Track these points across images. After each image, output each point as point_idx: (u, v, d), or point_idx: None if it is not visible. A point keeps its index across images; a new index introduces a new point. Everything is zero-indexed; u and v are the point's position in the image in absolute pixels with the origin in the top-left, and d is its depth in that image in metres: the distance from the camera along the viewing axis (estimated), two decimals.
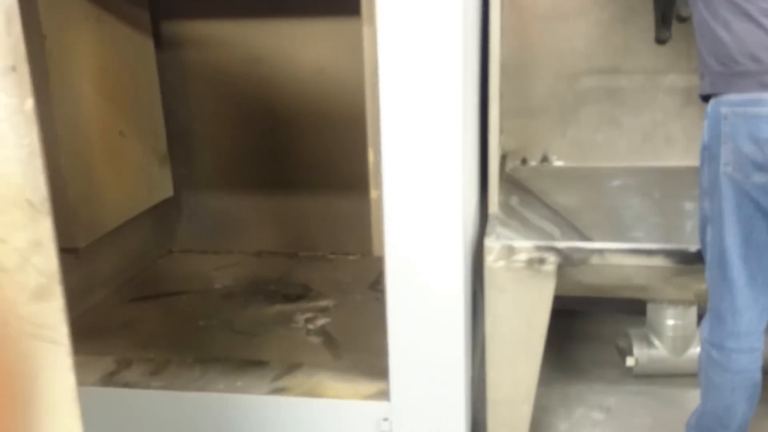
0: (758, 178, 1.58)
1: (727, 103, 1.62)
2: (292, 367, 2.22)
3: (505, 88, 2.69)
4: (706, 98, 1.71)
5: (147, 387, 2.15)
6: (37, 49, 2.28)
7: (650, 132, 2.62)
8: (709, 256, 1.73)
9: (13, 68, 1.05)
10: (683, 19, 2.34)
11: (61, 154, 2.41)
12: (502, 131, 2.73)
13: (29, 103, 1.07)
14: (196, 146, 3.12)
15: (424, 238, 1.80)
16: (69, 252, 2.53)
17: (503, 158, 2.75)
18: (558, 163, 2.76)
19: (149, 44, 2.91)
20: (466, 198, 1.88)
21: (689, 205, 2.47)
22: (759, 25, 1.57)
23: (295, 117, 2.94)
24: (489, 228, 2.05)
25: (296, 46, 2.88)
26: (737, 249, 1.65)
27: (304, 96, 2.93)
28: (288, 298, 2.74)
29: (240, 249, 3.20)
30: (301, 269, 3.02)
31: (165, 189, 3.09)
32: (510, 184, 2.59)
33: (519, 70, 2.66)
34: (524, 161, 2.78)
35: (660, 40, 2.43)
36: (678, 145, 2.59)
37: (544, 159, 2.77)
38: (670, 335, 2.39)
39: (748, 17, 1.57)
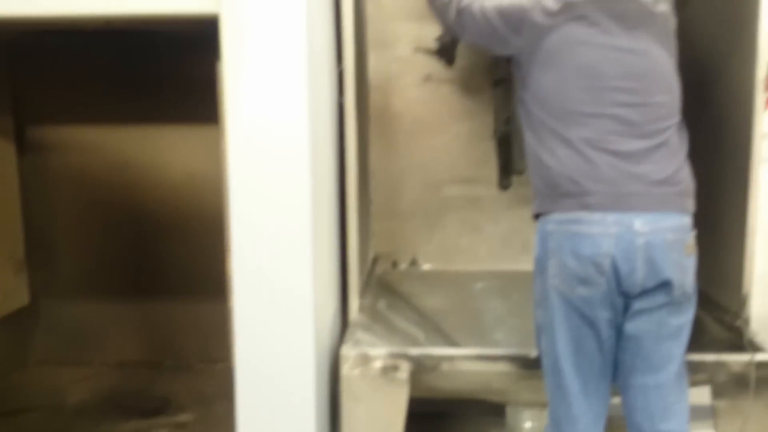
0: (581, 291, 1.68)
1: (553, 221, 1.74)
2: None
3: (375, 194, 2.80)
4: (536, 216, 1.83)
5: None
6: None
7: (508, 238, 2.76)
8: (545, 364, 1.80)
9: None
10: (520, 172, 2.52)
11: None
12: (373, 235, 2.82)
13: None
14: (58, 252, 3.01)
15: (274, 347, 1.79)
16: None
17: (374, 261, 2.81)
18: (426, 266, 2.85)
19: (10, 149, 2.84)
20: (320, 306, 1.89)
21: None
22: (579, 152, 1.71)
23: (161, 222, 2.91)
24: (348, 335, 2.05)
25: (165, 151, 2.89)
26: (569, 357, 1.72)
27: (172, 201, 2.91)
28: (145, 413, 2.60)
29: (101, 360, 3.05)
30: (164, 380, 2.89)
31: (20, 297, 2.94)
32: (380, 287, 2.64)
33: (388, 178, 2.78)
34: (395, 264, 2.86)
35: (503, 186, 2.62)
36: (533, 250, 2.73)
37: (413, 262, 2.85)
38: None
39: (570, 145, 1.72)
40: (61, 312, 3.06)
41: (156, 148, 2.93)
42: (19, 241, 2.93)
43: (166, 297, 3.03)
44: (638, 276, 1.66)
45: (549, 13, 1.76)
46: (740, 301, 1.97)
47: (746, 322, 1.97)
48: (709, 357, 1.90)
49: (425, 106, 2.71)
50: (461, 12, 1.93)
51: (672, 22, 1.83)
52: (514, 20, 1.80)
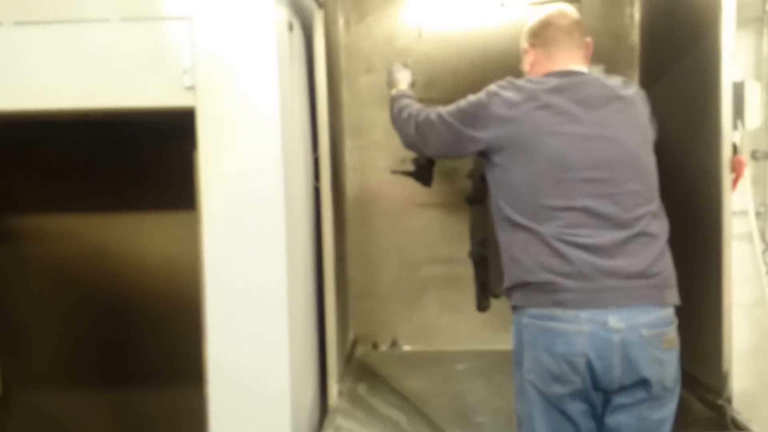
0: (556, 388, 1.64)
1: (528, 315, 1.70)
2: None
3: (353, 275, 2.81)
4: (514, 308, 1.79)
5: None
6: None
7: (488, 317, 2.75)
8: None
9: None
10: (497, 296, 2.46)
11: None
12: (352, 316, 2.81)
13: None
14: (31, 341, 2.95)
15: None
16: None
17: (354, 343, 2.79)
18: (406, 347, 2.82)
19: None
20: (298, 393, 1.86)
21: None
22: (551, 247, 1.67)
23: (139, 308, 2.88)
24: (327, 422, 2.01)
25: (143, 237, 2.89)
26: None
27: (150, 287, 2.89)
28: None
29: None
30: None
31: None
32: (360, 370, 2.60)
33: (366, 259, 2.79)
34: (375, 346, 2.83)
35: (481, 308, 2.55)
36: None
37: (394, 343, 2.83)
38: None
39: (542, 241, 1.68)
40: (33, 402, 2.98)
41: (134, 235, 2.93)
42: None
43: (142, 385, 2.97)
44: (615, 374, 1.61)
45: (511, 105, 1.75)
46: (721, 379, 1.96)
47: (728, 400, 1.96)
48: None
49: (401, 188, 2.75)
50: (419, 126, 1.93)
51: (642, 105, 1.81)
52: (478, 116, 1.78)
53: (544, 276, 1.67)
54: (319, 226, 2.15)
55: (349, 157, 2.77)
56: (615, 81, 1.80)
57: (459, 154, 1.93)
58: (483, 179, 1.96)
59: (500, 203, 1.77)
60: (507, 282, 1.79)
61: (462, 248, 2.73)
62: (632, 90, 1.80)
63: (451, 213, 2.75)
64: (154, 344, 2.93)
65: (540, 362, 1.65)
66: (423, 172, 2.55)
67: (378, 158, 2.77)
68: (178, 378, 2.92)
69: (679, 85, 2.23)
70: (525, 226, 1.71)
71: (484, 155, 1.83)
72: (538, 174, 1.70)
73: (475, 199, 2.42)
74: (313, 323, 2.16)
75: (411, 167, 2.57)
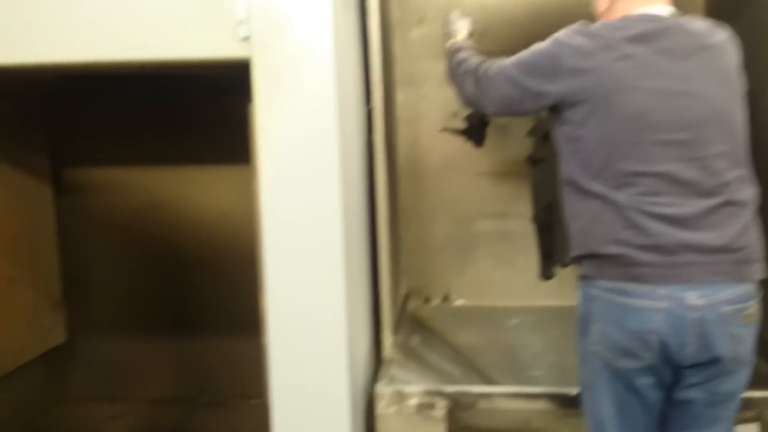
0: (624, 363, 1.55)
1: (598, 287, 1.58)
2: None
3: (405, 230, 2.81)
4: (582, 277, 1.66)
5: None
6: None
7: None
8: (588, 421, 1.69)
9: None
10: (565, 265, 2.30)
11: None
12: (404, 271, 2.82)
13: None
14: (94, 291, 3.06)
15: (309, 385, 1.78)
16: None
17: (406, 298, 2.80)
18: (459, 302, 2.83)
19: (47, 191, 2.92)
20: (354, 343, 1.88)
21: None
22: (626, 218, 1.53)
23: (196, 261, 2.94)
24: (382, 372, 2.04)
25: (199, 191, 2.94)
26: (614, 420, 1.60)
27: (206, 240, 2.95)
28: None
29: (137, 396, 3.07)
30: (199, 416, 2.90)
31: (57, 335, 2.99)
32: (412, 323, 2.62)
33: (418, 214, 2.79)
34: (427, 300, 2.84)
35: (546, 277, 2.42)
36: (570, 284, 2.70)
37: (446, 298, 2.84)
38: None
39: (616, 209, 1.54)
40: (97, 349, 3.10)
41: (190, 188, 2.98)
42: (57, 281, 2.99)
43: (200, 333, 3.06)
44: (689, 351, 1.52)
45: (585, 54, 1.58)
46: None
47: None
48: (758, 394, 1.84)
49: (454, 142, 2.72)
50: (479, 80, 1.78)
51: (732, 53, 1.63)
52: (546, 68, 1.63)
53: (617, 249, 1.55)
54: (371, 180, 2.14)
55: (401, 110, 2.74)
56: (702, 26, 1.63)
57: (524, 110, 1.77)
58: (546, 138, 1.85)
59: (569, 166, 1.64)
60: (575, 251, 1.67)
61: (516, 204, 2.70)
62: (721, 36, 1.62)
63: (505, 169, 2.71)
64: (211, 294, 3.01)
65: (609, 336, 1.56)
66: (475, 131, 2.44)
67: (430, 112, 2.73)
68: (235, 327, 3.00)
69: (753, 30, 2.11)
70: (597, 192, 1.57)
71: (553, 111, 1.69)
72: (615, 134, 1.55)
73: (538, 159, 2.28)
74: (367, 276, 2.18)
75: (463, 125, 2.47)
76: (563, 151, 1.66)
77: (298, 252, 1.76)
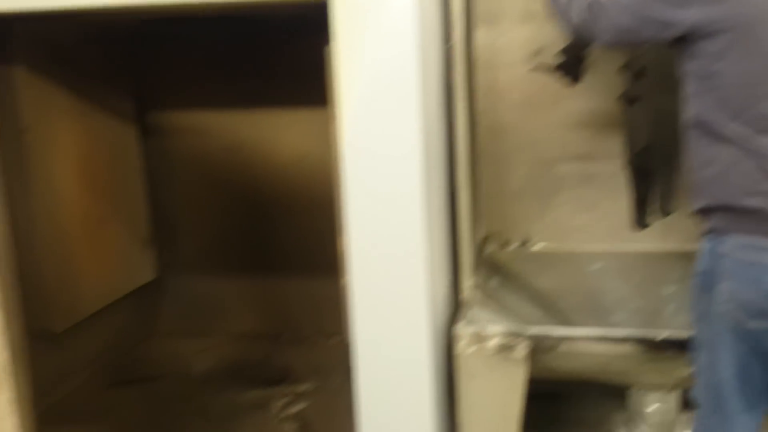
0: (755, 324, 1.45)
1: (729, 243, 1.46)
2: None
3: (484, 173, 2.76)
4: (707, 231, 1.54)
5: None
6: (17, 141, 2.36)
7: (628, 216, 2.64)
8: (700, 381, 1.61)
9: None
10: (666, 214, 2.16)
11: (39, 242, 2.45)
12: (482, 214, 2.79)
13: None
14: (180, 230, 3.16)
15: (390, 324, 1.80)
16: (46, 337, 2.53)
17: (484, 241, 2.78)
18: (538, 246, 2.78)
19: (133, 133, 3.00)
20: (434, 282, 1.89)
21: (669, 290, 2.46)
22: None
23: (276, 202, 2.99)
24: (461, 313, 2.05)
25: (277, 134, 2.97)
26: (733, 383, 1.52)
27: (284, 182, 2.99)
28: (267, 382, 2.71)
29: (222, 331, 3.19)
30: (282, 352, 3.00)
31: (146, 273, 3.12)
32: (490, 266, 2.60)
33: (496, 157, 2.72)
34: (504, 244, 2.81)
35: (642, 225, 2.28)
36: (655, 229, 2.61)
37: (524, 242, 2.79)
38: (652, 421, 2.34)
39: (758, 158, 1.40)
40: (184, 286, 3.22)
41: (268, 131, 3.01)
42: (145, 221, 3.10)
43: (281, 273, 3.13)
44: None
45: None
46: None
47: None
48: None
49: (535, 82, 2.62)
50: (591, 7, 1.59)
51: None
52: None
53: (757, 201, 1.41)
54: (451, 121, 2.11)
55: (480, 48, 2.66)
56: None
57: (643, 41, 1.58)
58: (642, 74, 1.72)
59: (700, 106, 1.48)
60: (701, 201, 1.53)
61: (601, 145, 2.60)
62: None
63: (590, 108, 2.60)
64: (291, 235, 3.07)
65: (740, 296, 1.45)
66: (571, 65, 2.22)
67: (510, 50, 2.64)
68: (315, 267, 3.06)
69: None
70: (735, 137, 1.41)
71: (682, 43, 1.50)
72: (759, 70, 1.37)
73: (634, 97, 2.11)
74: (446, 218, 2.17)
75: (557, 60, 2.29)
76: (692, 88, 1.50)
77: (377, 193, 1.76)
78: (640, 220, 2.26)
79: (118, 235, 2.92)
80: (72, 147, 2.64)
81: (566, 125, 2.66)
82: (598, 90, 2.53)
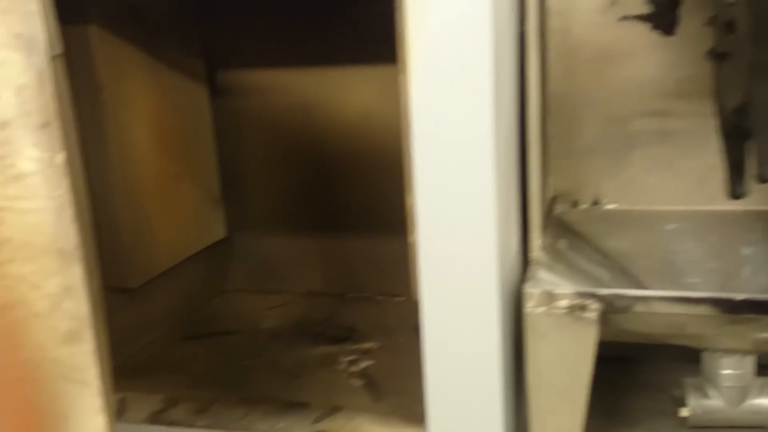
0: None
1: None
2: (332, 410, 2.22)
3: (553, 130, 2.69)
4: None
5: (192, 425, 2.20)
6: (93, 99, 2.42)
7: (705, 175, 2.54)
8: None
9: (46, 124, 1.12)
10: (765, 181, 1.99)
11: (115, 198, 2.53)
12: (550, 173, 2.72)
13: (60, 157, 1.14)
14: (248, 189, 3.21)
15: (458, 283, 1.79)
16: (122, 292, 2.63)
17: (553, 201, 2.72)
18: (609, 206, 2.71)
19: (204, 92, 3.04)
20: (503, 242, 1.86)
21: (746, 251, 2.37)
22: None
23: (341, 161, 3.00)
24: (530, 273, 2.02)
25: (344, 92, 2.95)
26: None
27: (351, 141, 2.98)
28: (333, 340, 2.76)
29: (289, 289, 3.25)
30: (347, 310, 3.04)
31: (218, 231, 3.18)
32: (559, 227, 2.55)
33: (567, 112, 2.65)
34: (575, 204, 2.74)
35: (737, 195, 2.13)
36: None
37: (596, 202, 2.72)
38: (726, 385, 2.28)
39: None
40: (252, 245, 3.28)
41: (334, 89, 3.00)
42: (215, 179, 3.16)
43: (347, 232, 3.16)
44: None
45: None
46: None
47: None
48: None
49: (610, 34, 2.52)
50: None
51: None
52: None
53: None
54: (522, 76, 2.05)
55: None
56: None
57: None
58: (731, 27, 1.54)
59: None
60: None
61: (679, 101, 2.49)
62: None
63: (671, 58, 2.48)
64: (358, 194, 3.07)
65: None
66: (664, 13, 2.07)
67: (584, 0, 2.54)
68: (380, 227, 3.07)
69: None
70: None
71: None
72: None
73: (723, 53, 1.97)
74: (516, 177, 2.13)
75: (647, 8, 2.09)
76: None
77: (447, 150, 1.74)
78: (737, 189, 2.11)
79: (190, 193, 2.99)
80: (145, 105, 2.69)
81: (642, 79, 2.56)
82: (681, 44, 2.41)
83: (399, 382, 2.37)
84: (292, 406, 2.26)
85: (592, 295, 1.88)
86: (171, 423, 2.22)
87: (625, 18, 2.36)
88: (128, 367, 2.58)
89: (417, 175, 1.77)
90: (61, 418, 1.28)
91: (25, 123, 1.12)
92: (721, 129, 2.01)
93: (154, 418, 2.25)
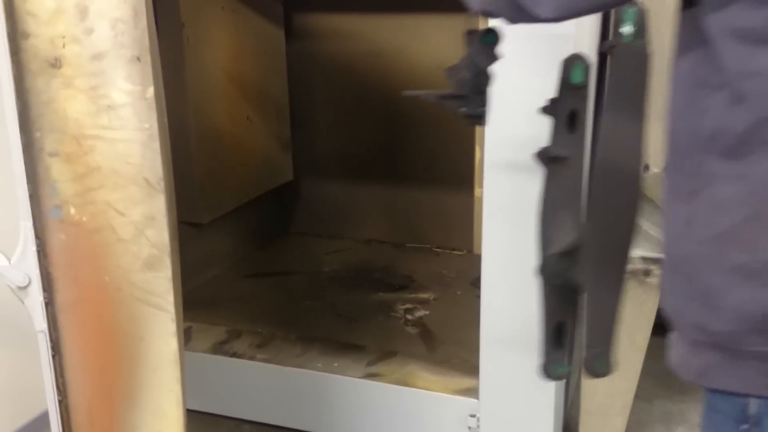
0: None
1: None
2: (387, 355, 2.28)
3: None
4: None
5: (252, 358, 2.29)
6: (175, 36, 2.47)
7: None
8: None
9: (138, 58, 1.17)
10: (596, 375, 1.36)
11: (191, 136, 2.60)
12: None
13: (151, 91, 1.18)
14: (317, 135, 3.24)
15: (520, 238, 1.79)
16: (193, 227, 2.73)
17: None
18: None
19: (280, 35, 3.06)
20: None
21: None
22: None
23: (410, 111, 2.99)
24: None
25: (416, 41, 2.92)
26: None
27: (422, 90, 2.96)
28: (391, 287, 2.81)
29: (351, 235, 3.30)
30: (406, 260, 3.07)
31: (286, 173, 3.25)
32: None
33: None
34: (645, 168, 2.68)
35: (551, 376, 1.57)
36: None
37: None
38: None
39: None
40: (318, 189, 3.34)
41: (408, 37, 2.97)
42: (286, 123, 3.20)
43: (411, 182, 3.17)
44: None
45: None
46: None
47: None
48: None
49: None
50: None
51: None
52: None
53: None
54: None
55: None
56: None
57: (607, 4, 0.98)
58: (574, 121, 0.97)
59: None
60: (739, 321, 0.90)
61: None
62: None
63: None
64: (424, 145, 3.07)
65: None
66: (470, 96, 1.31)
67: None
68: (445, 181, 3.07)
69: None
70: None
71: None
72: None
73: (558, 156, 1.18)
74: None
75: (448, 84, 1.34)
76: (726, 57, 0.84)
77: (518, 105, 1.72)
78: (550, 367, 1.31)
79: (262, 135, 3.04)
80: (223, 45, 2.73)
81: None
82: None
83: (453, 333, 2.41)
84: (347, 347, 2.33)
85: (658, 260, 1.86)
86: (233, 354, 2.31)
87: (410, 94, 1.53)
88: (194, 299, 2.69)
89: (488, 129, 1.76)
90: (137, 340, 1.36)
91: (119, 55, 1.17)
92: (540, 275, 1.22)
93: (217, 349, 2.35)
